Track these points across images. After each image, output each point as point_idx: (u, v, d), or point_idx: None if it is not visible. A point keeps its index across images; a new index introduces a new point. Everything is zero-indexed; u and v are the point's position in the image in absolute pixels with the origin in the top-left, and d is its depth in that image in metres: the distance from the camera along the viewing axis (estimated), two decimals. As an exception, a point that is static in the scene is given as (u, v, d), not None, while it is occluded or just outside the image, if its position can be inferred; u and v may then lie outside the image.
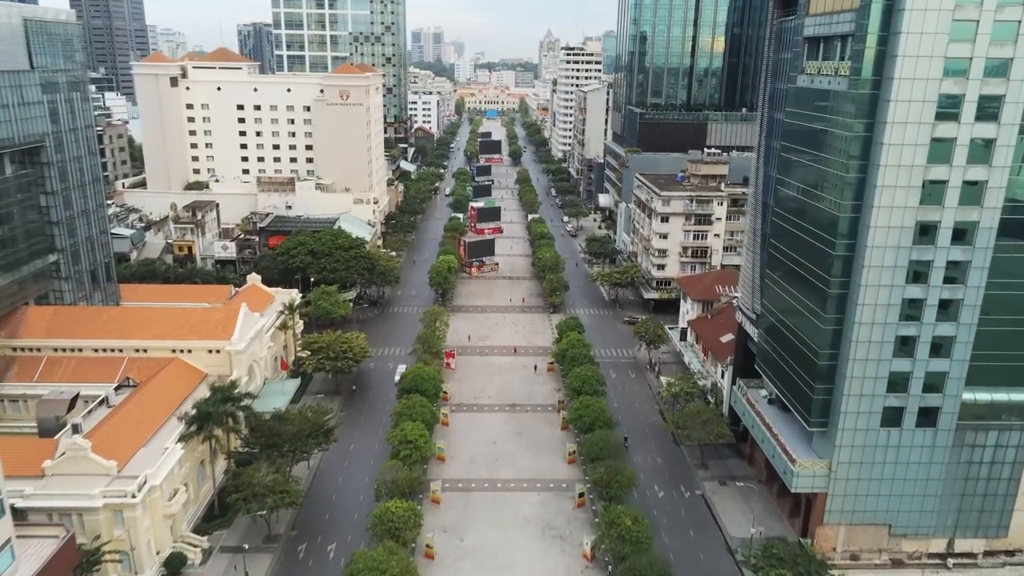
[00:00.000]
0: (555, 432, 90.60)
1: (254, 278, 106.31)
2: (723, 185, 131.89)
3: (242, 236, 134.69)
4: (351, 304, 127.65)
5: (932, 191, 58.38)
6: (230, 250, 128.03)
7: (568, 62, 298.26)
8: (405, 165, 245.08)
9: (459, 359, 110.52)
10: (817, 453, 67.41)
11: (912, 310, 61.25)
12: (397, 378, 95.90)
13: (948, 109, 56.78)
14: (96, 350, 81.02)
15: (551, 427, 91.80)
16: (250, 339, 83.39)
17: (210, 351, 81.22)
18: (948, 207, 58.64)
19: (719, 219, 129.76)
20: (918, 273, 60.21)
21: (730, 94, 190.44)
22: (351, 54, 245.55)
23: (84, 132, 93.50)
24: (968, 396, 63.61)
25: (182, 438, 67.50)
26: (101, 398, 72.99)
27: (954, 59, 55.75)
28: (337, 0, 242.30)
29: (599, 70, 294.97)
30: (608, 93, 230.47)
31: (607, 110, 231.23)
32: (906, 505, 66.71)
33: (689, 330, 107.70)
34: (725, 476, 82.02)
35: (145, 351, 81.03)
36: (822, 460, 66.12)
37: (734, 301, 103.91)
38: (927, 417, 64.14)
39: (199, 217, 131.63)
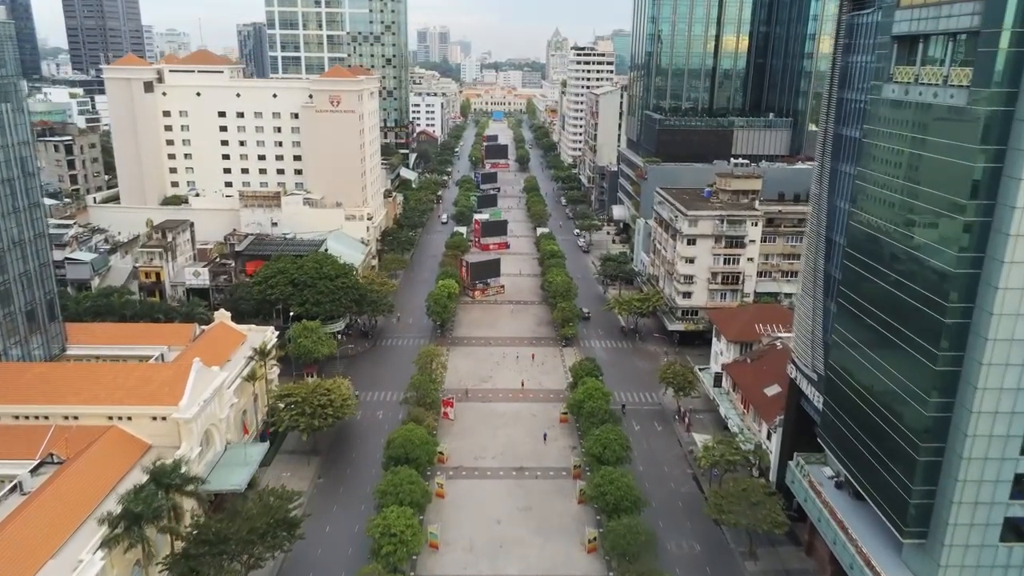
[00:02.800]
0: (570, 507, 76.05)
1: (223, 315, 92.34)
2: (757, 203, 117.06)
3: (217, 260, 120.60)
4: (339, 337, 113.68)
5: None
6: (202, 277, 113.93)
7: (578, 62, 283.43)
8: (406, 173, 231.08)
9: (459, 406, 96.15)
10: (912, 568, 52.67)
11: (1048, 395, 46.59)
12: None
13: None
14: (16, 417, 66.99)
15: (565, 500, 77.23)
16: (205, 401, 69.17)
17: (154, 418, 67.09)
18: (1103, 262, 43.98)
19: (753, 241, 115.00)
20: (1059, 348, 45.58)
21: (756, 98, 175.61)
22: (349, 55, 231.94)
23: (17, 149, 79.41)
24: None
25: (104, 543, 53.39)
26: (13, 483, 59.10)
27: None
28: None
29: (611, 71, 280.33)
30: (622, 96, 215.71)
31: (620, 114, 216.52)
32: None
33: (725, 375, 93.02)
34: (780, 571, 67.38)
35: (76, 418, 66.96)
36: (919, 579, 51.55)
37: (777, 343, 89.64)
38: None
39: (169, 239, 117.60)
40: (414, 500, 67.16)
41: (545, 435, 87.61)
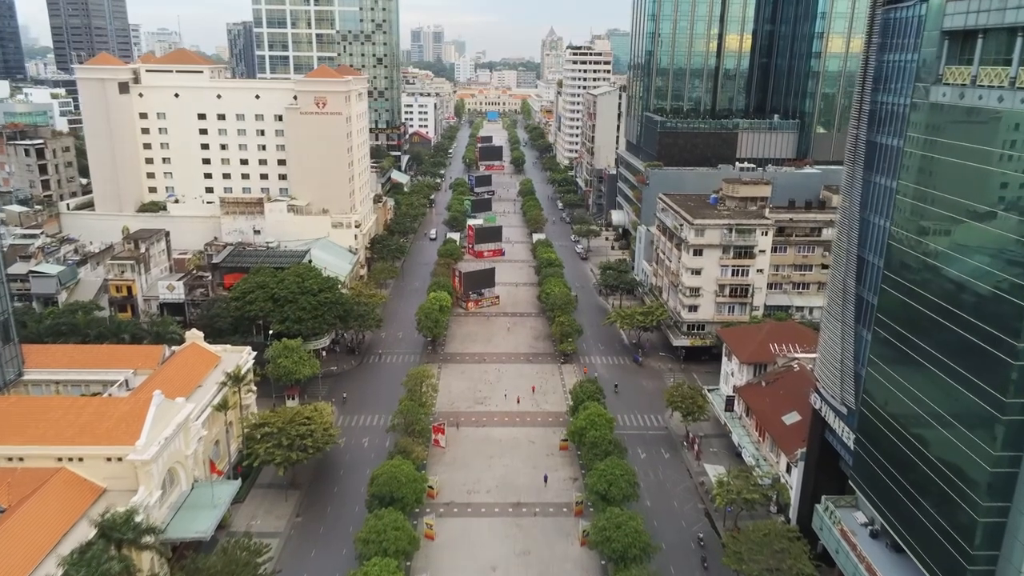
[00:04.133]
0: (572, 551, 69.22)
1: (194, 335, 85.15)
2: (767, 211, 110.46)
3: (194, 272, 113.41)
4: (323, 355, 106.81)
5: None
6: (177, 291, 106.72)
7: (574, 62, 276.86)
8: (397, 176, 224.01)
9: (451, 432, 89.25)
10: (966, 642, 46.06)
11: None
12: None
13: None
14: (-46, 459, 59.86)
15: (567, 543, 70.38)
16: (167, 438, 62.11)
17: (109, 459, 60.05)
18: None
19: (763, 251, 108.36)
20: None
21: (760, 99, 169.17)
22: (339, 54, 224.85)
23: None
24: None
25: (41, 616, 46.50)
26: (-56, 540, 51.96)
27: None
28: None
29: (608, 71, 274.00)
30: (620, 97, 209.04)
31: (619, 115, 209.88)
32: None
33: (737, 399, 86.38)
34: (806, 625, 60.64)
35: (21, 460, 59.88)
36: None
37: (794, 364, 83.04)
38: None
39: (143, 250, 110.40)
40: (399, 548, 60.32)
41: (546, 477, 79.81)
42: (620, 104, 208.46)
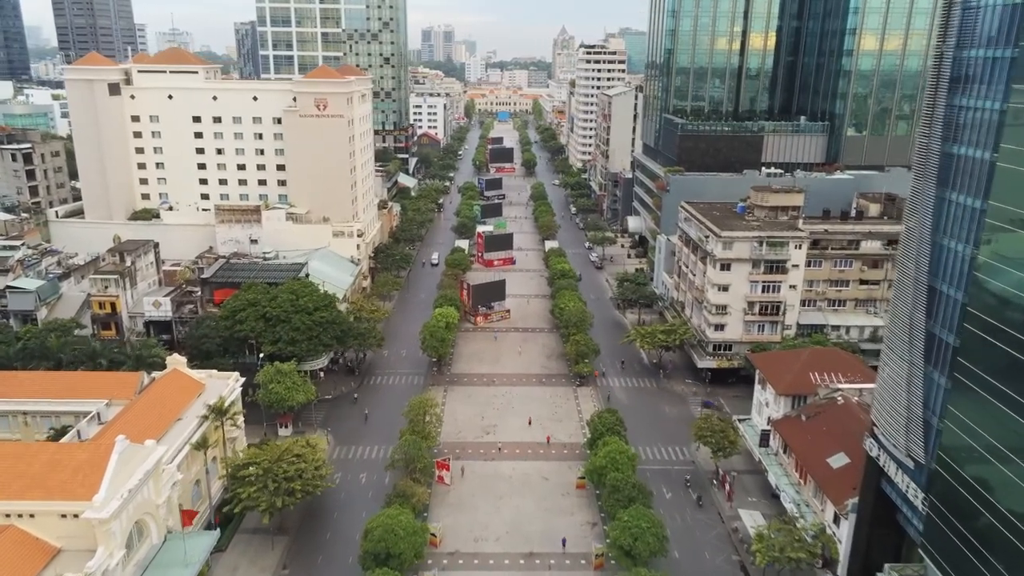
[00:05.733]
0: (593, 615, 61.25)
1: (176, 361, 77.66)
2: (801, 222, 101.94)
3: (183, 287, 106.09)
4: (320, 375, 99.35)
5: None
6: (164, 308, 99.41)
7: (588, 61, 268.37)
8: (404, 180, 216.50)
9: (456, 465, 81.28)
10: None
11: None
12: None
13: None
14: None
15: (587, 604, 62.43)
16: (132, 490, 54.51)
17: (64, 516, 52.50)
18: None
19: (796, 266, 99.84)
20: None
21: (785, 100, 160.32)
22: (344, 54, 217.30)
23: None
24: None
25: None
26: None
27: None
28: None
29: (623, 70, 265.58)
30: (636, 97, 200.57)
31: (635, 117, 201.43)
32: None
33: (773, 433, 78.00)
34: None
35: (-37, 515, 52.45)
36: None
37: (838, 396, 74.66)
38: None
39: (128, 263, 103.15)
40: (395, 620, 52.50)
41: (564, 540, 70.49)
42: (636, 105, 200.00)
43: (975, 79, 46.16)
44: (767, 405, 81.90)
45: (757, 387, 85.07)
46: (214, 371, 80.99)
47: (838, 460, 67.29)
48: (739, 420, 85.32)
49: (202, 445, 67.12)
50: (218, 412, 70.61)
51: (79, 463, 54.61)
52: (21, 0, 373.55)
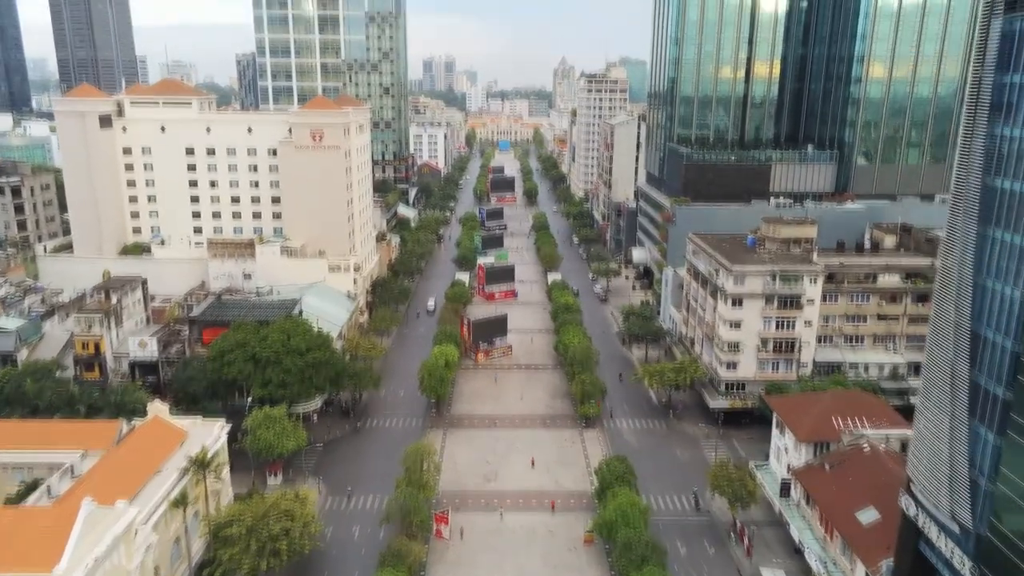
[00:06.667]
0: None
1: (157, 408, 73.04)
2: (815, 255, 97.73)
3: (171, 325, 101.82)
4: (314, 417, 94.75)
5: None
6: (150, 348, 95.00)
7: (589, 90, 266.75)
8: (404, 211, 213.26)
9: (455, 518, 76.14)
10: None
11: None
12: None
13: None
14: None
15: None
16: (98, 558, 49.64)
17: (21, 588, 47.63)
18: None
19: (811, 301, 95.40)
20: None
21: (792, 127, 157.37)
22: (344, 84, 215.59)
23: None
24: None
25: None
26: None
27: None
28: (328, 24, 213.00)
29: (624, 99, 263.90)
30: (639, 126, 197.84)
31: (638, 146, 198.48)
32: None
33: (795, 484, 72.98)
34: None
35: (-90, 590, 47.57)
36: None
37: (863, 443, 69.83)
38: None
39: (114, 301, 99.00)
40: None
41: None
42: (639, 134, 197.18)
43: (1019, 106, 42.19)
44: (786, 451, 76.95)
45: (775, 431, 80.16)
46: (199, 418, 76.28)
47: (868, 515, 62.32)
48: (756, 466, 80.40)
49: (181, 502, 62.32)
50: (200, 465, 65.83)
51: (41, 529, 49.79)
52: (28, 32, 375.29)
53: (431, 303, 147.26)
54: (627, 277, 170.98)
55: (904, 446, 70.75)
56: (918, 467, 51.43)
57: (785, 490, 73.74)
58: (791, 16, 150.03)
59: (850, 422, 72.72)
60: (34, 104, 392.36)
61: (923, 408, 51.01)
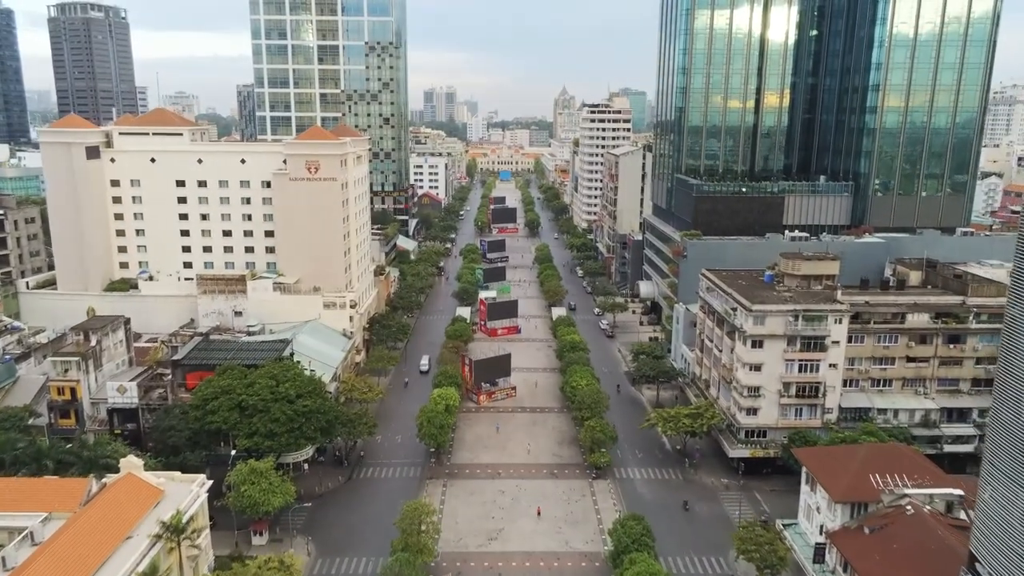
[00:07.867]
0: None
1: (131, 464, 66.54)
2: (839, 292, 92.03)
3: (154, 369, 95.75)
4: (305, 467, 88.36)
5: None
6: (130, 393, 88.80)
7: (592, 120, 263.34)
8: (403, 243, 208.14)
9: (457, 584, 69.58)
10: None
11: None
12: None
13: None
14: None
15: None
16: (46, 651, 43.30)
17: None
18: None
19: (836, 342, 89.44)
20: None
21: (804, 158, 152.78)
22: (344, 114, 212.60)
23: None
24: None
25: None
26: None
27: None
28: (327, 54, 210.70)
29: (627, 129, 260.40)
30: (644, 157, 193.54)
31: (643, 176, 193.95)
32: None
33: (830, 548, 66.34)
34: None
35: None
36: None
37: (906, 504, 63.37)
38: None
39: (94, 342, 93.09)
40: None
41: None
42: (644, 164, 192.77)
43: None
44: (818, 511, 70.34)
45: (805, 488, 73.62)
46: (176, 473, 69.92)
47: (917, 589, 55.72)
48: (784, 525, 73.80)
49: (152, 573, 55.81)
50: (173, 530, 59.45)
51: (-21, 621, 43.42)
52: (32, 63, 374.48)
53: (424, 362, 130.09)
54: (634, 312, 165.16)
55: (949, 506, 64.67)
56: (985, 543, 45.11)
57: (819, 555, 67.03)
58: (800, 46, 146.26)
59: (888, 479, 66.31)
60: (32, 135, 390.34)
61: (989, 477, 44.83)
